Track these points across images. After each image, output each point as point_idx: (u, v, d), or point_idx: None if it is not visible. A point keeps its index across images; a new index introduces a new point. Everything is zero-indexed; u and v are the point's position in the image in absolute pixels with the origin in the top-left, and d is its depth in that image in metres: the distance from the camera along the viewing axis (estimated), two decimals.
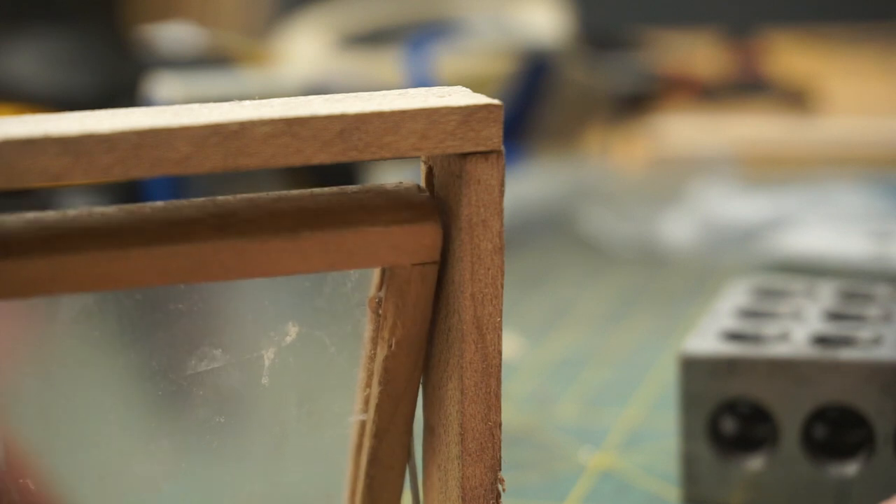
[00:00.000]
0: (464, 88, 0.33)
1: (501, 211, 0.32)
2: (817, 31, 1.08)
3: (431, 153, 0.31)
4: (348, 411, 0.34)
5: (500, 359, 0.33)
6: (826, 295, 0.47)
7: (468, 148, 0.31)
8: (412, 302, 0.33)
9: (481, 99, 0.32)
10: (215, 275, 0.31)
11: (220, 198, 0.32)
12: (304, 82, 0.68)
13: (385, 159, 0.31)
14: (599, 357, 0.58)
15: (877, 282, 0.53)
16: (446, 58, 0.74)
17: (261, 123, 0.30)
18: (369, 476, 0.34)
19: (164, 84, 0.65)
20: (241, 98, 0.32)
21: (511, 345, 0.58)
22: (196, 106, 0.31)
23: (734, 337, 0.44)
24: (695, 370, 0.43)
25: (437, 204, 0.32)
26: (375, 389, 0.33)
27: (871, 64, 1.04)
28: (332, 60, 0.77)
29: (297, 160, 0.30)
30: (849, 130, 0.91)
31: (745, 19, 1.10)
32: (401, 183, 0.33)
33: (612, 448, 0.48)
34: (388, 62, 0.75)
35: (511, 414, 0.51)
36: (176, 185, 0.61)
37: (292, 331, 0.33)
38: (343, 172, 0.65)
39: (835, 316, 0.45)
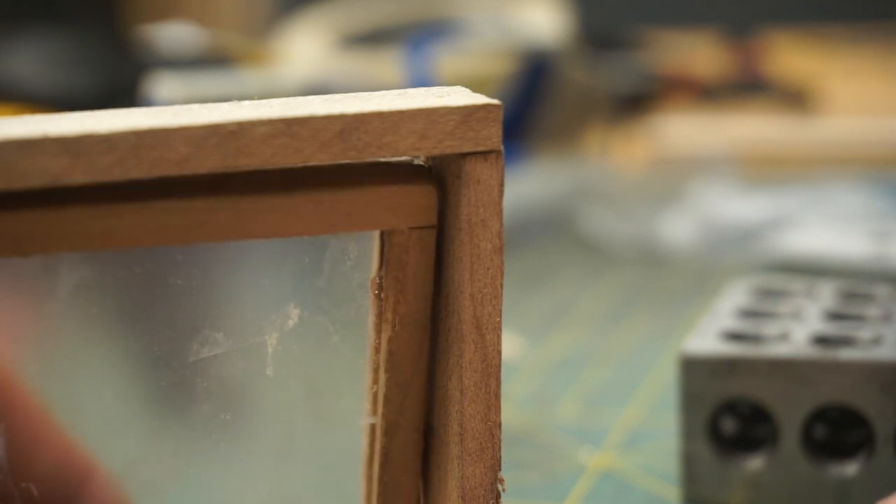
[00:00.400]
0: (463, 88, 0.33)
1: (501, 211, 0.32)
2: (817, 31, 1.08)
3: (431, 153, 0.31)
4: (357, 411, 0.34)
5: (500, 359, 0.33)
6: (826, 295, 0.47)
7: (467, 148, 0.31)
8: (412, 272, 0.32)
9: (481, 99, 0.31)
10: (210, 235, 0.31)
11: None
12: (304, 82, 0.68)
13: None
14: (599, 357, 0.58)
15: (877, 282, 0.53)
16: (446, 58, 0.74)
17: (260, 124, 0.30)
18: (382, 482, 0.34)
19: (164, 84, 0.65)
20: (241, 98, 0.32)
21: (511, 345, 0.58)
22: (195, 106, 0.31)
23: (734, 337, 0.44)
24: (695, 370, 0.43)
25: (430, 169, 0.32)
26: (382, 378, 0.33)
27: (871, 64, 1.04)
28: (332, 60, 0.77)
29: (296, 160, 0.30)
30: (849, 130, 0.91)
31: (745, 19, 1.10)
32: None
33: (612, 448, 0.48)
34: (388, 62, 0.75)
35: (511, 414, 0.51)
36: None
37: (294, 314, 0.33)
38: None
39: (835, 316, 0.45)
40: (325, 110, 0.30)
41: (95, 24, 0.92)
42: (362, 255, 0.33)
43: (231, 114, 0.30)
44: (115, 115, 0.30)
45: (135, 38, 0.87)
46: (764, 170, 0.85)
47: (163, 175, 0.30)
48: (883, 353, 0.42)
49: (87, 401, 0.34)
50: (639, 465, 0.47)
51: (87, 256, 0.31)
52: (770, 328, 0.44)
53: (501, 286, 0.32)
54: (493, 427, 0.33)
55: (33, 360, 0.33)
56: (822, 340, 0.43)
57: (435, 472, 0.34)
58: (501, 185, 0.32)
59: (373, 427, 0.34)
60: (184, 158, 0.30)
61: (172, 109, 0.31)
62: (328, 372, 0.34)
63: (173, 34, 0.82)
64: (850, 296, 0.47)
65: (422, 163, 0.32)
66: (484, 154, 0.31)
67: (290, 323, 0.33)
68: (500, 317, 0.32)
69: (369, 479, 0.34)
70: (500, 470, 0.33)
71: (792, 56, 1.01)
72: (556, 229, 0.77)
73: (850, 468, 0.42)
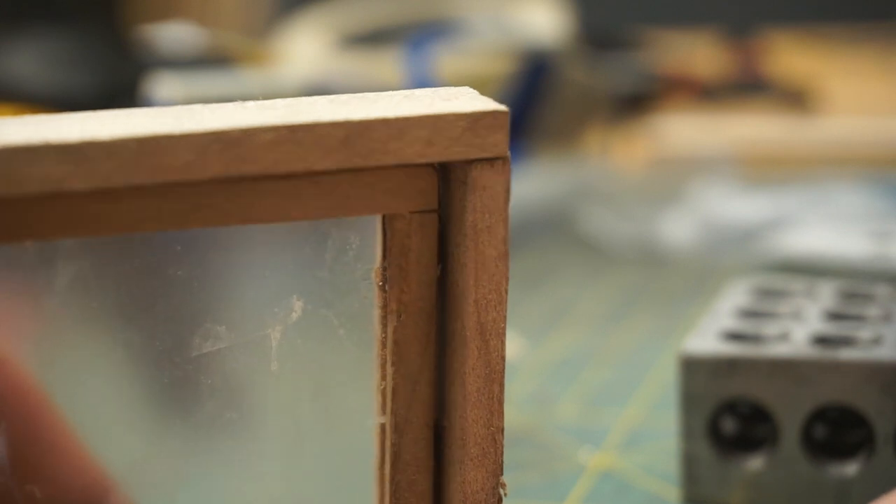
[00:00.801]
0: (470, 89, 0.32)
1: (507, 217, 0.32)
2: (817, 31, 1.08)
3: (437, 160, 0.31)
4: (366, 409, 0.34)
5: (504, 365, 0.32)
6: (826, 295, 0.47)
7: (474, 154, 0.31)
8: (415, 259, 0.32)
9: (488, 104, 0.31)
10: (209, 219, 0.31)
11: None
12: (305, 82, 0.68)
13: (390, 166, 0.31)
14: (599, 357, 0.58)
15: (877, 282, 0.53)
16: (446, 58, 0.74)
17: (263, 130, 0.30)
18: (395, 482, 0.34)
19: (164, 84, 0.65)
20: (242, 98, 0.32)
21: (512, 345, 0.58)
22: (199, 107, 0.31)
23: (734, 337, 0.44)
24: (695, 370, 0.43)
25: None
26: (390, 372, 0.33)
27: (871, 64, 1.04)
28: (332, 60, 0.77)
29: (300, 167, 0.30)
30: (849, 130, 0.91)
31: (745, 19, 1.10)
32: None
33: (612, 448, 0.48)
34: (388, 62, 0.75)
35: (511, 414, 0.51)
36: None
37: (297, 306, 0.33)
38: None
39: (835, 316, 0.46)
40: (330, 116, 0.30)
41: (95, 24, 0.92)
42: (364, 244, 0.33)
43: (234, 117, 0.30)
44: (116, 118, 0.30)
45: (135, 38, 0.87)
46: (764, 170, 0.85)
47: (165, 181, 0.29)
48: (883, 353, 0.42)
49: (91, 399, 0.33)
50: (639, 465, 0.47)
51: (85, 246, 0.31)
52: (770, 328, 0.44)
53: (506, 292, 0.32)
54: (495, 432, 0.33)
55: (34, 356, 0.33)
56: (822, 340, 0.43)
57: (445, 472, 0.34)
58: (507, 191, 0.32)
59: (383, 426, 0.34)
60: (187, 165, 0.29)
61: (174, 112, 0.31)
62: (335, 368, 0.34)
63: (173, 34, 0.82)
64: (850, 296, 0.47)
65: None
66: (490, 160, 0.31)
67: (294, 316, 0.33)
68: (505, 323, 0.32)
69: (382, 480, 0.34)
70: (501, 475, 0.33)
71: (792, 56, 1.01)
72: (556, 229, 0.77)
73: (850, 468, 0.42)
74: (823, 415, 0.43)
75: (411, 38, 0.75)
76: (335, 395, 0.34)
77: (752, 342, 0.43)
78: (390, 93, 0.32)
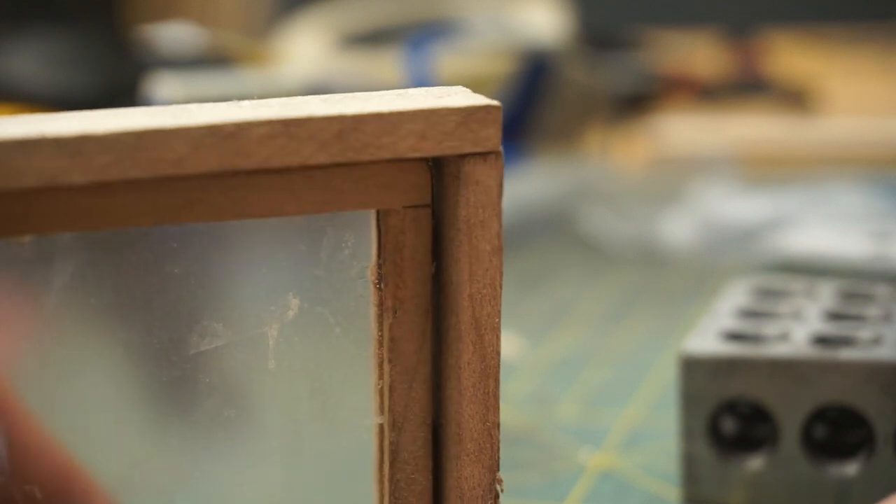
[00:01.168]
0: (464, 89, 0.33)
1: (500, 212, 0.32)
2: (817, 31, 1.08)
3: (430, 154, 0.31)
4: (364, 408, 0.34)
5: (499, 359, 0.32)
6: (826, 295, 0.47)
7: (467, 149, 0.31)
8: (410, 254, 0.32)
9: (480, 100, 0.31)
10: (204, 214, 0.31)
11: None
12: (304, 82, 0.68)
13: (384, 161, 0.31)
14: (599, 357, 0.58)
15: (877, 282, 0.53)
16: (446, 58, 0.74)
17: (258, 124, 0.30)
18: (394, 481, 0.34)
19: (164, 84, 0.65)
20: (241, 98, 0.32)
21: (511, 345, 0.58)
22: (194, 106, 0.31)
23: (734, 337, 0.44)
24: (695, 370, 0.43)
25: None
26: (387, 370, 0.33)
27: (871, 64, 1.04)
28: (332, 60, 0.77)
29: (294, 161, 0.30)
30: (849, 130, 0.91)
31: (745, 19, 1.10)
32: None
33: (612, 448, 0.48)
34: (388, 62, 0.75)
35: (511, 414, 0.51)
36: None
37: (293, 304, 0.33)
38: None
39: (835, 316, 0.45)
40: (324, 111, 0.30)
41: (95, 24, 0.92)
42: (359, 242, 0.33)
43: (229, 114, 0.30)
44: (113, 116, 0.30)
45: (135, 38, 0.87)
46: (764, 170, 0.85)
47: (160, 175, 0.29)
48: (883, 353, 0.42)
49: (89, 397, 0.33)
50: (639, 465, 0.47)
51: (82, 243, 0.31)
52: (770, 328, 0.44)
53: (500, 287, 0.32)
54: (491, 427, 0.33)
55: (30, 353, 0.33)
56: (822, 340, 0.43)
57: (443, 470, 0.34)
58: (501, 185, 0.32)
59: (381, 426, 0.34)
60: (181, 159, 0.30)
61: (171, 110, 0.31)
62: (332, 366, 0.34)
63: (173, 34, 0.82)
64: (850, 296, 0.47)
65: None
66: (483, 155, 0.31)
67: (290, 313, 0.33)
68: (499, 317, 0.32)
69: (381, 478, 0.34)
70: (498, 470, 0.33)
71: (792, 56, 1.01)
72: (556, 229, 0.77)
73: (850, 468, 0.42)
74: (823, 415, 0.43)
75: (411, 38, 0.75)
76: (333, 393, 0.34)
77: (752, 342, 0.43)
78: (384, 92, 0.32)
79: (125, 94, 0.75)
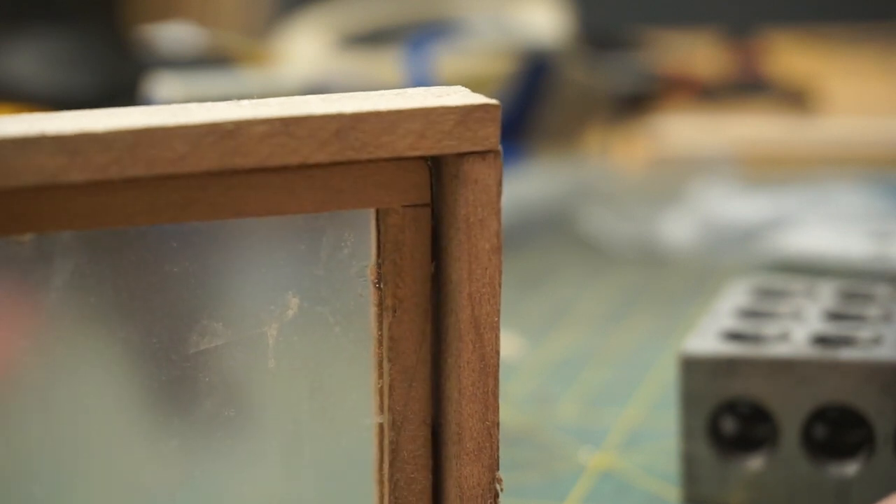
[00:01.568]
0: (462, 88, 0.33)
1: (499, 211, 0.32)
2: (817, 31, 1.08)
3: (429, 153, 0.31)
4: (364, 408, 0.34)
5: (498, 358, 0.32)
6: (826, 295, 0.47)
7: (465, 148, 0.31)
8: (409, 254, 0.32)
9: (479, 98, 0.31)
10: (203, 213, 0.31)
11: None
12: (304, 82, 0.68)
13: (383, 159, 0.31)
14: (599, 357, 0.58)
15: (877, 282, 0.53)
16: (446, 58, 0.74)
17: (257, 123, 0.30)
18: (393, 480, 0.34)
19: (164, 84, 0.65)
20: (241, 98, 0.32)
21: (511, 345, 0.58)
22: (193, 105, 0.31)
23: (734, 337, 0.44)
24: (695, 370, 0.43)
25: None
26: (387, 369, 0.33)
27: (871, 64, 1.04)
28: (332, 60, 0.77)
29: (293, 159, 0.30)
30: (849, 130, 0.91)
31: (745, 19, 1.10)
32: None
33: (612, 448, 0.48)
34: (388, 62, 0.75)
35: (511, 414, 0.51)
36: None
37: (293, 303, 0.33)
38: None
39: (835, 316, 0.45)
40: (323, 110, 0.30)
41: (95, 24, 0.92)
42: (359, 242, 0.33)
43: (229, 113, 0.30)
44: (112, 115, 0.30)
45: (135, 38, 0.87)
46: (764, 170, 0.85)
47: (160, 174, 0.29)
48: (883, 353, 0.42)
49: (89, 396, 0.33)
50: (639, 465, 0.47)
51: (82, 241, 0.31)
52: (770, 328, 0.44)
53: (499, 286, 0.32)
54: (490, 427, 0.33)
55: (30, 352, 0.33)
56: (822, 340, 0.43)
57: (443, 469, 0.34)
58: (499, 184, 0.32)
59: (381, 425, 0.34)
60: (180, 157, 0.30)
61: (170, 109, 0.31)
62: (332, 365, 0.34)
63: (173, 34, 0.82)
64: (850, 296, 0.47)
65: None
66: (482, 154, 0.31)
67: (290, 313, 0.33)
68: (499, 316, 0.32)
69: (381, 478, 0.34)
70: (497, 470, 0.33)
71: (792, 56, 1.01)
72: (556, 229, 0.77)
73: (850, 468, 0.42)
74: (823, 415, 0.42)
75: (411, 38, 0.75)
76: (333, 392, 0.34)
77: (752, 342, 0.43)
78: (383, 91, 0.32)
79: (125, 94, 0.75)
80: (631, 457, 0.47)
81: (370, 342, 0.33)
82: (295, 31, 0.83)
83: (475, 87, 0.33)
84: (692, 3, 1.14)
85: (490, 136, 0.31)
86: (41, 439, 0.33)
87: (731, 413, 0.43)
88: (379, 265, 0.33)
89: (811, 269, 0.65)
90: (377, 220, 0.32)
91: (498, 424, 0.33)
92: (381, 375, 0.33)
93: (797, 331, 0.44)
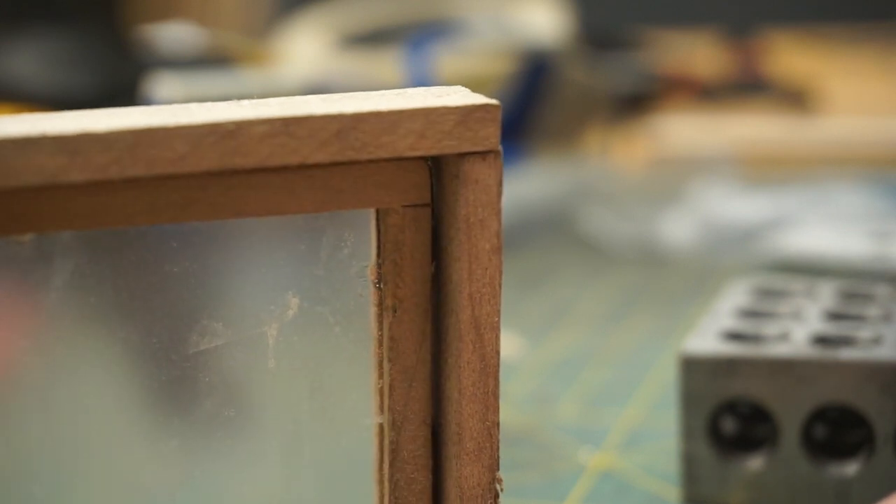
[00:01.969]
0: (463, 88, 0.33)
1: (499, 211, 0.32)
2: (817, 31, 1.08)
3: (429, 153, 0.31)
4: (364, 408, 0.34)
5: (498, 359, 0.32)
6: (826, 295, 0.47)
7: (466, 148, 0.31)
8: (409, 254, 0.32)
9: (479, 99, 0.32)
10: (203, 213, 0.31)
11: None
12: (304, 82, 0.68)
13: (383, 160, 0.31)
14: (599, 357, 0.58)
15: (877, 282, 0.53)
16: (446, 58, 0.74)
17: (257, 123, 0.30)
18: (393, 481, 0.34)
19: (164, 84, 0.65)
20: (241, 98, 0.32)
21: (511, 345, 0.58)
22: (194, 105, 0.31)
23: (734, 337, 0.44)
24: (695, 370, 0.43)
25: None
26: (387, 369, 0.33)
27: (871, 64, 1.04)
28: (332, 60, 0.77)
29: (293, 160, 0.30)
30: (849, 130, 0.91)
31: (745, 19, 1.10)
32: None
33: (612, 448, 0.48)
34: (388, 62, 0.75)
35: (511, 414, 0.51)
36: None
37: (293, 303, 0.33)
38: None
39: (835, 316, 0.45)
40: (323, 110, 0.30)
41: (95, 24, 0.92)
42: (359, 242, 0.33)
43: (229, 113, 0.30)
44: (113, 115, 0.30)
45: (135, 38, 0.87)
46: (764, 170, 0.85)
47: (160, 174, 0.29)
48: (883, 353, 0.42)
49: (89, 396, 0.33)
50: (639, 465, 0.47)
51: (82, 241, 0.31)
52: (770, 328, 0.44)
53: (500, 286, 0.32)
54: (491, 427, 0.33)
55: (30, 352, 0.32)
56: (822, 340, 0.43)
57: (443, 469, 0.34)
58: (500, 184, 0.32)
59: (381, 425, 0.34)
60: (181, 157, 0.30)
61: (170, 109, 0.31)
62: (332, 365, 0.34)
63: (173, 34, 0.82)
64: (850, 296, 0.47)
65: None
66: (482, 154, 0.31)
67: (290, 313, 0.33)
68: (499, 317, 0.32)
69: (381, 478, 0.34)
70: (497, 470, 0.33)
71: (792, 56, 1.01)
72: (556, 229, 0.77)
73: (850, 468, 0.42)
74: (823, 415, 0.42)
75: (411, 38, 0.75)
76: (333, 392, 0.34)
77: (752, 342, 0.43)
78: (383, 91, 0.32)
79: (125, 94, 0.75)
80: (631, 457, 0.47)
81: (370, 342, 0.33)
82: (295, 31, 0.83)
83: (475, 87, 0.33)
84: (692, 3, 1.14)
85: (490, 136, 0.31)
86: (41, 439, 0.33)
87: (731, 413, 0.43)
88: (379, 265, 0.33)
89: (811, 269, 0.65)
90: (377, 220, 0.32)
91: (498, 424, 0.33)
92: (381, 375, 0.33)
93: (797, 331, 0.44)
